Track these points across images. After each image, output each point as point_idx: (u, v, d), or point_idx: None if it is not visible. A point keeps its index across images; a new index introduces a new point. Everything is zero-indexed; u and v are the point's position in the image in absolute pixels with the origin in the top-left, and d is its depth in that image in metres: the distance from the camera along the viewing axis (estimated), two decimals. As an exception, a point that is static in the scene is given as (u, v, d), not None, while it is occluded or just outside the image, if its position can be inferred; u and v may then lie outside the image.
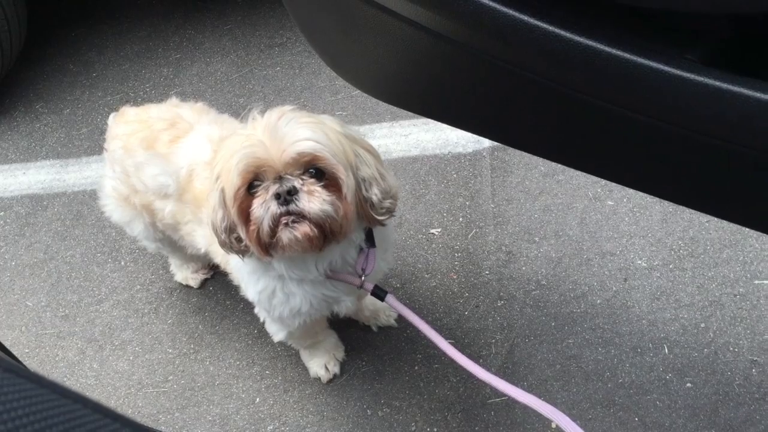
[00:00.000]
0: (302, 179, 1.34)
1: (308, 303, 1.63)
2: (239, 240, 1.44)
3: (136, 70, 3.40)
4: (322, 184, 1.35)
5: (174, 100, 1.97)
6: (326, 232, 1.37)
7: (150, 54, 3.47)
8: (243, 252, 1.47)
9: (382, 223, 1.49)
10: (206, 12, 3.61)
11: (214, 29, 3.50)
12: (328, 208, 1.34)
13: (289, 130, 1.33)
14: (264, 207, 1.34)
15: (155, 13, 3.71)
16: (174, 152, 1.75)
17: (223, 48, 3.37)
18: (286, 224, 1.35)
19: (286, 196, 1.33)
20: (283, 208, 1.34)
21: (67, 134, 3.17)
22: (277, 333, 1.85)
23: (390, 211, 1.46)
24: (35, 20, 3.55)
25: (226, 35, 3.44)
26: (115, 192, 1.97)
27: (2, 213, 2.88)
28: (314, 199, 1.33)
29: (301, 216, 1.34)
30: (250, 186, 1.36)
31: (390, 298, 1.55)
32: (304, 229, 1.34)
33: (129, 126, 1.90)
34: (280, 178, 1.34)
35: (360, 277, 1.56)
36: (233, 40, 3.40)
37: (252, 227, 1.37)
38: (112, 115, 2.02)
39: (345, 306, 1.71)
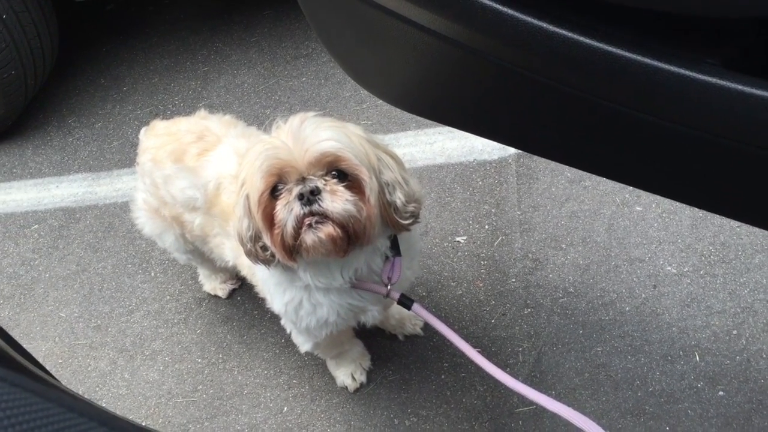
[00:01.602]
0: (325, 180, 1.35)
1: (335, 313, 1.63)
2: (264, 249, 1.46)
3: (165, 84, 3.45)
4: (344, 184, 1.35)
5: (202, 113, 2.00)
6: (350, 234, 1.37)
7: (179, 67, 3.52)
8: (268, 261, 1.48)
9: (407, 228, 1.48)
10: (233, 25, 3.66)
11: (240, 42, 3.54)
12: (351, 207, 1.34)
13: (311, 132, 1.34)
14: (287, 208, 1.35)
15: (183, 27, 3.77)
16: (202, 165, 1.78)
17: (249, 60, 3.41)
18: (310, 225, 1.35)
19: (309, 197, 1.33)
20: (307, 209, 1.34)
21: (99, 148, 3.23)
22: (303, 344, 1.86)
23: (414, 216, 1.46)
24: (66, 37, 3.63)
25: (253, 47, 3.48)
26: (146, 204, 2.01)
27: (36, 226, 2.94)
28: (337, 199, 1.33)
29: (324, 216, 1.34)
30: (274, 189, 1.38)
31: (417, 306, 1.54)
32: (327, 229, 1.34)
33: (158, 139, 1.93)
34: (303, 180, 1.35)
35: (386, 285, 1.56)
36: (260, 52, 3.44)
37: (276, 231, 1.38)
38: (143, 129, 2.05)
39: (372, 316, 1.71)
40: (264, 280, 1.68)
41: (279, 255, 1.43)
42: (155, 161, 1.89)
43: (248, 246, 1.46)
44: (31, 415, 0.37)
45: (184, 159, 1.82)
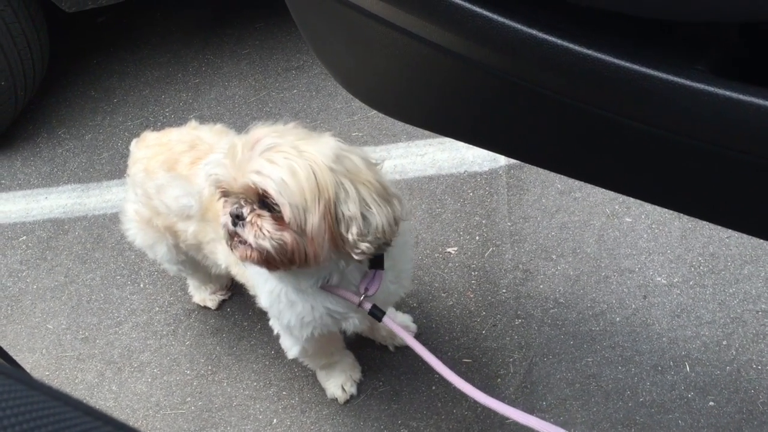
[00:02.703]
0: (254, 208, 1.40)
1: (310, 314, 1.64)
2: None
3: (156, 96, 3.45)
4: (273, 214, 1.39)
5: (193, 123, 2.00)
6: (277, 261, 1.42)
7: (170, 79, 3.52)
8: None
9: (357, 261, 1.48)
10: (225, 38, 3.66)
11: (232, 54, 3.55)
12: (264, 243, 1.38)
13: (251, 159, 1.36)
14: (223, 220, 1.45)
15: (175, 40, 3.77)
16: (195, 173, 1.77)
17: (241, 72, 3.42)
18: (238, 242, 1.44)
19: (235, 219, 1.42)
20: (233, 229, 1.43)
21: (89, 159, 3.22)
22: (290, 348, 1.85)
23: (366, 254, 1.43)
24: (57, 48, 3.62)
25: (244, 59, 3.49)
26: (138, 215, 1.99)
27: (24, 237, 2.92)
28: (253, 232, 1.40)
29: (244, 241, 1.43)
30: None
31: (387, 319, 1.56)
32: (247, 251, 1.43)
33: (150, 150, 1.93)
34: (241, 200, 1.42)
35: (361, 296, 1.56)
36: (251, 64, 3.45)
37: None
38: (134, 141, 2.05)
39: (353, 323, 1.71)
40: (251, 271, 1.70)
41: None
42: (147, 171, 1.88)
43: (226, 238, 1.50)
44: (14, 402, 0.36)
45: (176, 168, 1.81)
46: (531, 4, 0.97)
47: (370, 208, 1.40)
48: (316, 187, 1.36)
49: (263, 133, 1.40)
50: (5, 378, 0.38)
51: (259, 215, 1.39)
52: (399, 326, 1.54)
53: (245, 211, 1.40)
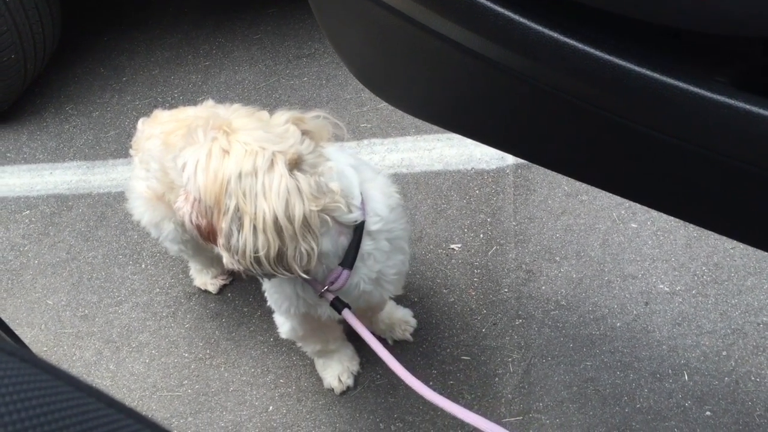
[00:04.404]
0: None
1: (283, 291, 1.67)
2: None
3: (165, 76, 3.44)
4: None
5: (210, 102, 2.00)
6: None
7: (180, 60, 3.51)
8: None
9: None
10: (237, 21, 3.65)
11: (244, 38, 3.53)
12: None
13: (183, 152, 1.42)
14: None
15: (187, 21, 3.76)
16: None
17: (251, 57, 3.41)
18: None
19: None
20: None
21: (95, 136, 3.21)
22: (282, 325, 1.87)
23: (246, 273, 1.46)
24: (69, 23, 3.61)
25: (256, 44, 3.47)
26: (149, 191, 1.99)
27: (28, 212, 2.92)
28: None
29: None
30: None
31: (346, 312, 1.56)
32: None
33: (167, 125, 1.93)
34: None
35: (324, 287, 1.56)
36: (262, 49, 3.43)
37: None
38: (141, 120, 2.04)
39: (325, 312, 1.70)
40: None
41: None
42: (167, 144, 1.88)
43: None
44: (41, 392, 0.36)
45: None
46: (554, 7, 0.96)
47: (244, 226, 1.37)
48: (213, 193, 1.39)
49: (204, 122, 1.42)
50: (31, 367, 0.38)
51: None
52: (358, 323, 1.54)
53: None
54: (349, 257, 1.55)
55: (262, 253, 1.37)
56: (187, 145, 1.58)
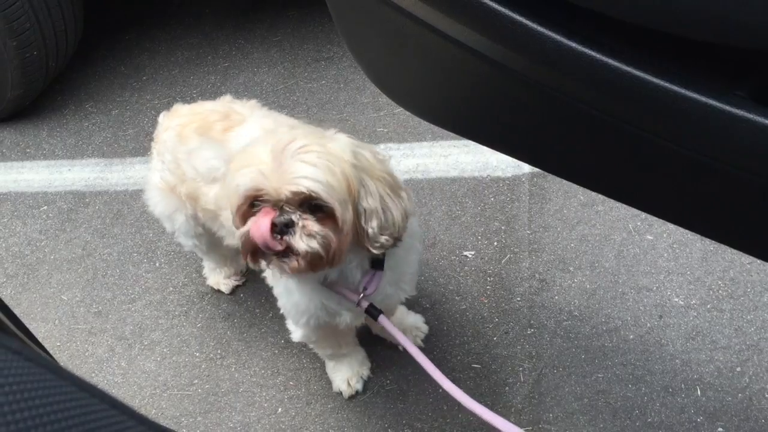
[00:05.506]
0: (300, 212, 1.37)
1: (305, 304, 1.67)
2: None
3: (184, 76, 3.46)
4: (318, 216, 1.38)
5: (228, 97, 2.01)
6: (324, 261, 1.41)
7: (199, 61, 3.53)
8: None
9: (375, 255, 1.51)
10: (257, 23, 3.67)
11: (263, 40, 3.55)
12: (316, 245, 1.37)
13: (290, 165, 1.35)
14: (258, 228, 1.37)
15: (207, 21, 3.78)
16: (228, 139, 1.78)
17: (270, 59, 3.42)
18: (277, 256, 1.40)
19: (283, 228, 1.37)
20: (278, 239, 1.37)
21: (114, 134, 3.24)
22: (294, 331, 1.88)
23: (384, 247, 1.46)
24: (91, 22, 3.65)
25: (275, 47, 3.49)
26: (163, 182, 2.00)
27: (45, 207, 2.95)
28: (305, 237, 1.37)
29: (290, 250, 1.38)
30: (253, 201, 1.42)
31: (383, 318, 1.57)
32: (293, 264, 1.40)
33: (183, 118, 1.94)
34: (280, 207, 1.38)
35: (359, 294, 1.57)
36: (281, 51, 3.45)
37: (244, 239, 1.43)
38: (162, 113, 2.06)
39: (344, 321, 1.72)
40: None
41: (243, 256, 1.48)
42: (180, 137, 1.90)
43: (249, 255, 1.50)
44: (45, 391, 0.36)
45: (209, 134, 1.83)
46: (572, 16, 0.96)
47: (385, 201, 1.43)
48: (346, 185, 1.38)
49: (289, 136, 1.39)
50: (35, 365, 0.38)
51: (306, 219, 1.37)
52: (394, 328, 1.56)
53: (295, 217, 1.37)
54: (380, 259, 1.57)
55: (402, 214, 1.45)
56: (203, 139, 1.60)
